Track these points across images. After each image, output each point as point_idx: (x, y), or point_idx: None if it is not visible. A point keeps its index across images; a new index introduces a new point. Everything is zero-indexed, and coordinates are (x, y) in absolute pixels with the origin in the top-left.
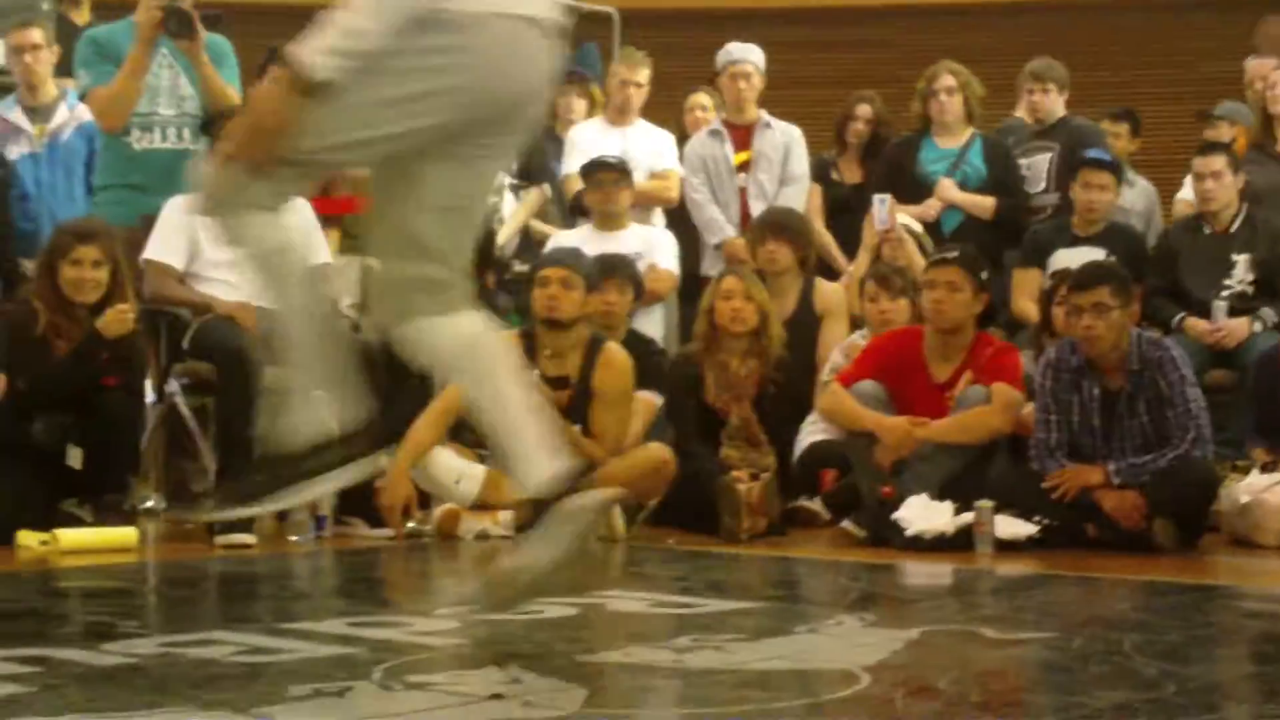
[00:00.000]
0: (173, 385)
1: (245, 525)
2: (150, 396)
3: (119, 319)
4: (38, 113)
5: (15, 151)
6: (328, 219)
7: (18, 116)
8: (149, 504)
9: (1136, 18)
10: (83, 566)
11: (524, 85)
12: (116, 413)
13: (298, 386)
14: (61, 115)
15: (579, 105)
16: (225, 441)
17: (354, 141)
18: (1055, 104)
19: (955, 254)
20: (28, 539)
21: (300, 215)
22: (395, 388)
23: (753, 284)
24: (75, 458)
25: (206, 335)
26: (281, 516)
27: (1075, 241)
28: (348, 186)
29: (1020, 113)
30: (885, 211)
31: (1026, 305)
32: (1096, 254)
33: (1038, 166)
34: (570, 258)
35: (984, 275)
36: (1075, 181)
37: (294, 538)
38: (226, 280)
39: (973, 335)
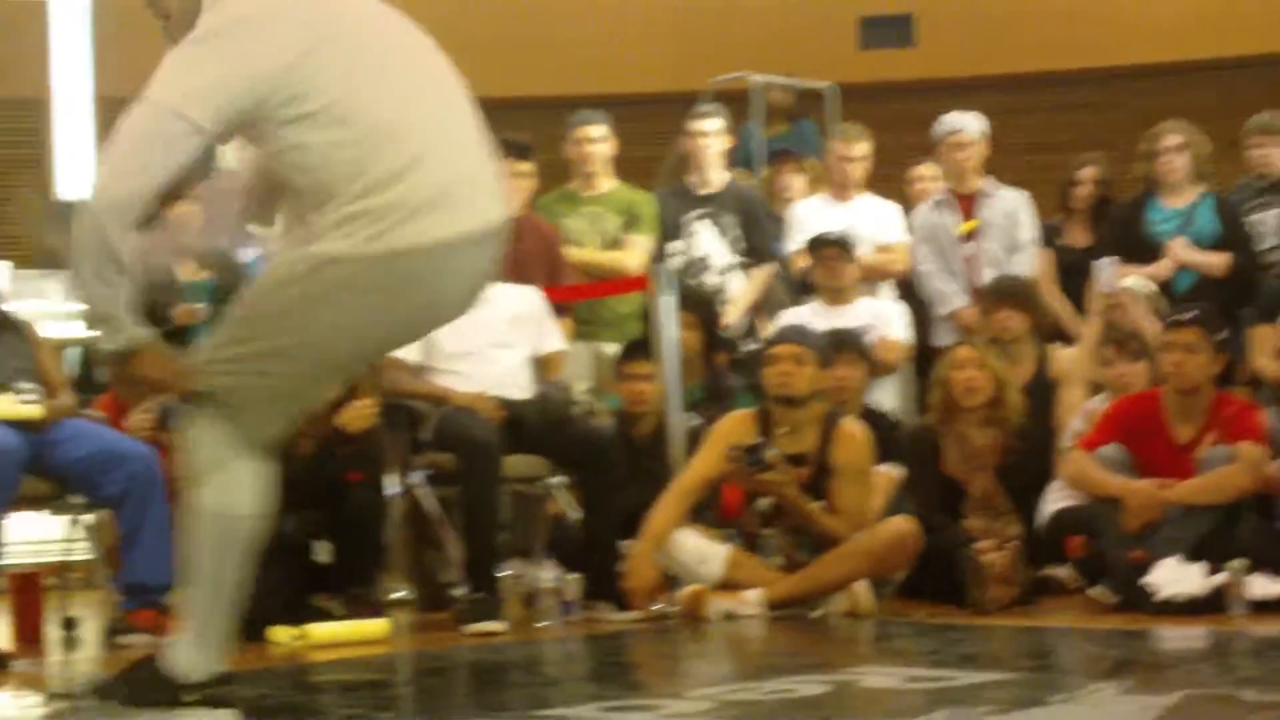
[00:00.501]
0: (415, 477)
1: (494, 612)
2: (393, 489)
3: (361, 415)
4: None
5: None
6: (560, 307)
7: None
8: (398, 595)
9: None
10: (335, 660)
11: (456, 302)
12: (361, 506)
13: (197, 620)
14: None
15: (797, 183)
16: (470, 530)
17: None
18: None
19: (1192, 315)
20: (280, 635)
21: (532, 303)
22: (633, 473)
23: (986, 353)
24: (324, 552)
25: (446, 426)
26: (529, 603)
27: None
28: (578, 274)
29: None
30: (1111, 274)
31: (1265, 362)
32: None
33: (1267, 222)
34: (799, 334)
35: (1221, 335)
36: None
37: (542, 623)
38: (461, 371)
39: (1213, 395)
